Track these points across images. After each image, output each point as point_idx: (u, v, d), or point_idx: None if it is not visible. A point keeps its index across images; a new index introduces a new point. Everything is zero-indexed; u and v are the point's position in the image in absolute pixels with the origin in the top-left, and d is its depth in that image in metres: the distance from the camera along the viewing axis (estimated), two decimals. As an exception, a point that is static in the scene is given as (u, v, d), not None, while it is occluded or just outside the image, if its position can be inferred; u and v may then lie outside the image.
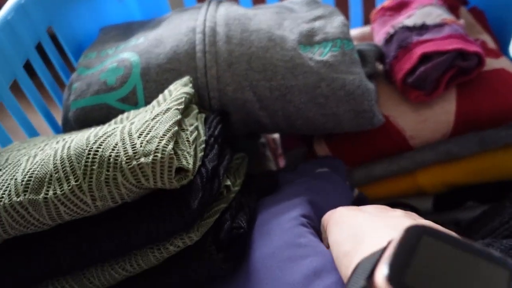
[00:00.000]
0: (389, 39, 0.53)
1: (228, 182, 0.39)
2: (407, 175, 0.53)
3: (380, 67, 0.55)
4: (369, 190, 0.54)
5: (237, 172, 0.44)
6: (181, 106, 0.38)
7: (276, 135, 0.67)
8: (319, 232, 0.37)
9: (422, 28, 0.51)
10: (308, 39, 0.48)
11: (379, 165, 0.52)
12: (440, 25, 0.50)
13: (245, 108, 0.47)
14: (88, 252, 0.34)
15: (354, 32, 0.64)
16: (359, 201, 0.50)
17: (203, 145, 0.38)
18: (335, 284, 0.30)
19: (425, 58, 0.48)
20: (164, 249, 0.33)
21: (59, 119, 0.55)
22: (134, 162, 0.31)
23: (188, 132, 0.36)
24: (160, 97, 0.42)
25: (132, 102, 0.48)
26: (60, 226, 0.34)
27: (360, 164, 0.53)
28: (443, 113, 0.49)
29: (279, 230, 0.36)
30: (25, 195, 0.32)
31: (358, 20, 0.72)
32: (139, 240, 0.33)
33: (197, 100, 0.46)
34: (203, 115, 0.43)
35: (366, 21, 0.68)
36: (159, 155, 0.31)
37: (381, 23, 0.58)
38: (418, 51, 0.48)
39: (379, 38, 0.56)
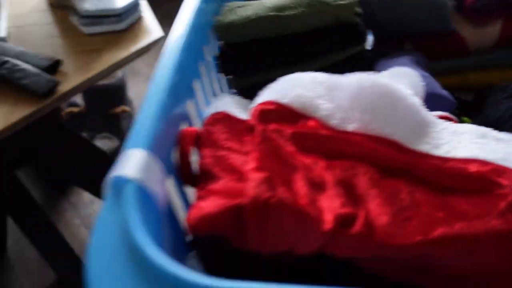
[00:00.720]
0: (463, -18, 0.81)
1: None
2: (461, 73, 0.81)
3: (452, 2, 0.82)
4: (434, 81, 0.81)
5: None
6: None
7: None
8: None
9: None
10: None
11: (445, 62, 0.80)
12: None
13: (370, 8, 0.76)
14: (291, 55, 0.62)
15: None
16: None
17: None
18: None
19: (486, -6, 0.76)
20: (340, 54, 0.62)
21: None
22: (337, 2, 0.60)
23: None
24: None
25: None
26: (277, 39, 0.63)
27: (432, 61, 0.80)
28: (492, 31, 0.77)
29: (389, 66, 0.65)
30: (272, 12, 0.61)
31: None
32: (328, 47, 0.62)
33: None
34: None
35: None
36: (350, 3, 0.60)
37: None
38: (482, -11, 0.76)
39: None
